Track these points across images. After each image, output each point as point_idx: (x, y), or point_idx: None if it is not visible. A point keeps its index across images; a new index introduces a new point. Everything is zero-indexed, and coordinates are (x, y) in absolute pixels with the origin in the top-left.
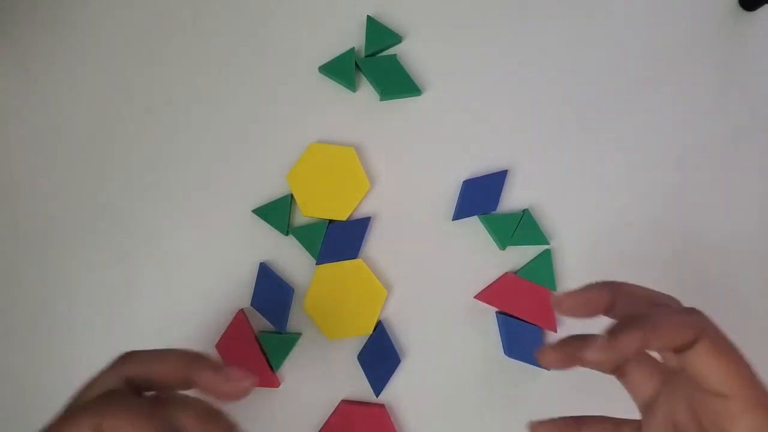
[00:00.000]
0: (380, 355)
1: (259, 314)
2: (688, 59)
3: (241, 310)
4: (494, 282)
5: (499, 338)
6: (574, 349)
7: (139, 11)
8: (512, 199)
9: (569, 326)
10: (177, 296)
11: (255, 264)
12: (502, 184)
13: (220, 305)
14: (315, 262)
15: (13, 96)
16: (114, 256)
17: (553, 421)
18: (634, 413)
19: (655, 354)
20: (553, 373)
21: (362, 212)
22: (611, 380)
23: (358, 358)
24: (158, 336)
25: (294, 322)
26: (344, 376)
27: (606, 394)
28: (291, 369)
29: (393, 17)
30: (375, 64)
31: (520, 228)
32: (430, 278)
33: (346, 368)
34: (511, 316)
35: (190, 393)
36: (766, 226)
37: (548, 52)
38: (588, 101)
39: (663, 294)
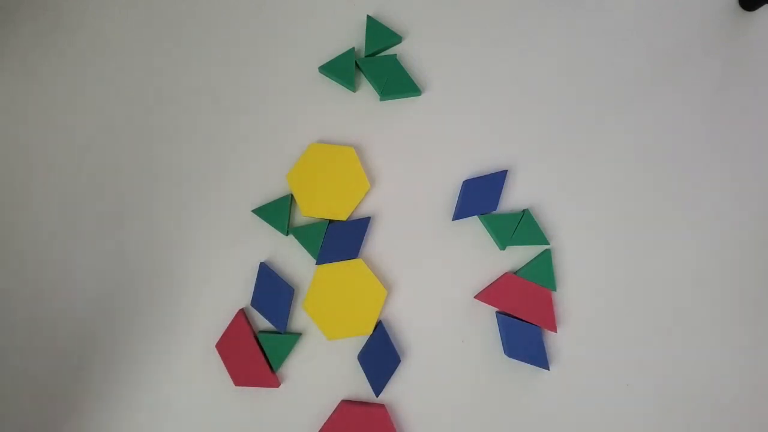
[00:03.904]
0: (380, 355)
1: (259, 314)
2: (689, 59)
3: (241, 310)
4: (494, 282)
5: (499, 338)
6: None
7: (139, 13)
8: (512, 199)
9: (570, 327)
10: (177, 296)
11: (255, 264)
12: (502, 184)
13: (220, 305)
14: (315, 262)
15: (14, 96)
16: (114, 256)
17: None
18: (630, 412)
19: None
20: (553, 374)
21: (362, 212)
22: (612, 381)
23: (358, 358)
24: (159, 336)
25: (294, 322)
26: (344, 376)
27: (606, 395)
28: (291, 369)
29: (393, 17)
30: (375, 64)
31: (520, 228)
32: (430, 278)
33: (346, 368)
34: (511, 316)
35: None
36: (763, 220)
37: (548, 54)
38: (588, 101)
39: None
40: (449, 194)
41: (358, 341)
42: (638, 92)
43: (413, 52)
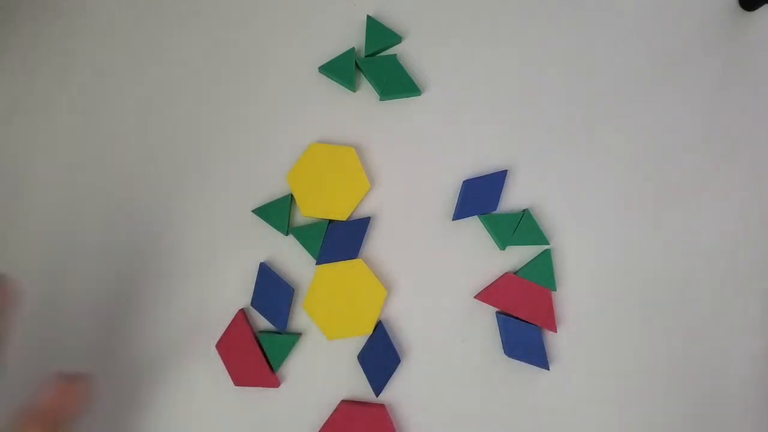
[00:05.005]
0: (380, 355)
1: (259, 314)
2: (688, 59)
3: (241, 310)
4: (494, 282)
5: (499, 338)
6: None
7: (138, 11)
8: (512, 199)
9: (570, 327)
10: (177, 296)
11: (255, 264)
12: (502, 184)
13: (220, 305)
14: (315, 262)
15: (13, 96)
16: (113, 257)
17: None
18: (630, 413)
19: None
20: (554, 374)
21: (362, 212)
22: (612, 381)
23: (358, 358)
24: (158, 336)
25: (294, 322)
26: (344, 376)
27: (606, 395)
28: (291, 369)
29: (393, 17)
30: (375, 64)
31: (520, 228)
32: (430, 278)
33: (346, 368)
34: (511, 316)
35: None
36: (764, 220)
37: (548, 53)
38: (588, 101)
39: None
40: (449, 194)
41: (358, 341)
42: (638, 92)
43: (413, 52)
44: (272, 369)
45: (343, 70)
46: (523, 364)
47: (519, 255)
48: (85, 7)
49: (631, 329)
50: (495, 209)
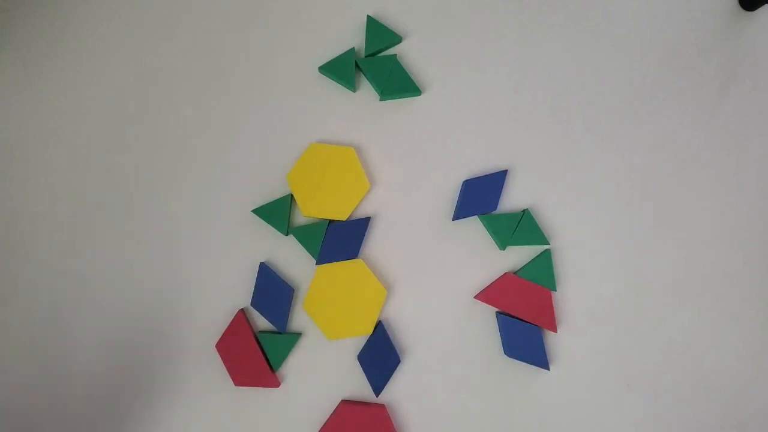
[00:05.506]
0: (380, 355)
1: (259, 314)
2: (689, 59)
3: (241, 310)
4: (494, 282)
5: (499, 338)
6: None
7: (139, 13)
8: (512, 199)
9: (570, 327)
10: (177, 296)
11: (255, 264)
12: (502, 184)
13: (220, 305)
14: (315, 262)
15: (13, 96)
16: (114, 257)
17: None
18: (630, 412)
19: None
20: (554, 373)
21: (362, 212)
22: (612, 381)
23: (358, 358)
24: (159, 335)
25: (294, 322)
26: (344, 376)
27: (606, 395)
28: (291, 369)
29: (393, 17)
30: (375, 64)
31: (520, 228)
32: (430, 278)
33: (346, 368)
34: (511, 316)
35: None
36: (764, 220)
37: (548, 53)
38: (587, 101)
39: None
40: (449, 194)
41: (358, 341)
42: (638, 92)
43: (413, 52)
44: (272, 369)
45: (343, 70)
46: (523, 364)
47: (519, 255)
48: (85, 7)
49: (631, 329)
50: (495, 209)
